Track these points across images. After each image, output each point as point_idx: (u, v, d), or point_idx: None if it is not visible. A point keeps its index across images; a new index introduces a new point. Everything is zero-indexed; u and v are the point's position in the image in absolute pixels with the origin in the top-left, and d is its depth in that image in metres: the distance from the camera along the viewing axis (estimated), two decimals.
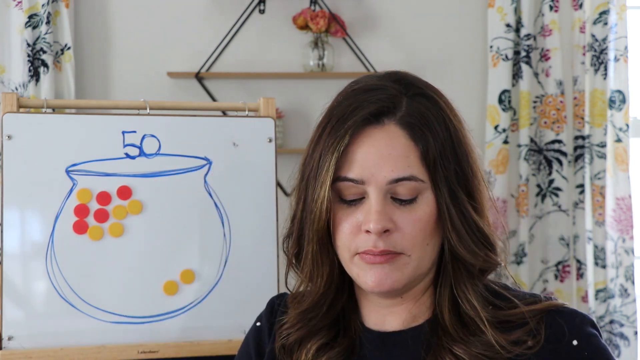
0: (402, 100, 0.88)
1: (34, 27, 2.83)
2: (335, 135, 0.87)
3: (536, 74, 3.00)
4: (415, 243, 0.86)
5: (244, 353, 1.04)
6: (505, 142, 2.95)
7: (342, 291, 0.94)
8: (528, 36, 2.96)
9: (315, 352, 0.91)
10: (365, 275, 0.86)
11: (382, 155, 0.85)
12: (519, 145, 2.96)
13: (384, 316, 0.92)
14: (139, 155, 1.49)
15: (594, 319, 0.92)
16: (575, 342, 0.85)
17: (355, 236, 0.86)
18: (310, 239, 0.90)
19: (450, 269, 0.89)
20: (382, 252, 0.84)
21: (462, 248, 0.87)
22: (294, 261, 0.95)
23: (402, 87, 0.89)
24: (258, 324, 1.04)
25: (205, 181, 1.50)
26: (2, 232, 1.44)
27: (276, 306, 1.03)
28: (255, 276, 1.51)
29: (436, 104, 0.89)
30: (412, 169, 0.85)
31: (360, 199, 0.87)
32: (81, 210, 1.46)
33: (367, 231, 0.85)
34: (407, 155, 0.85)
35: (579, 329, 0.86)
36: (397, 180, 0.85)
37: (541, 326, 0.86)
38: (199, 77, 2.94)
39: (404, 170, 0.85)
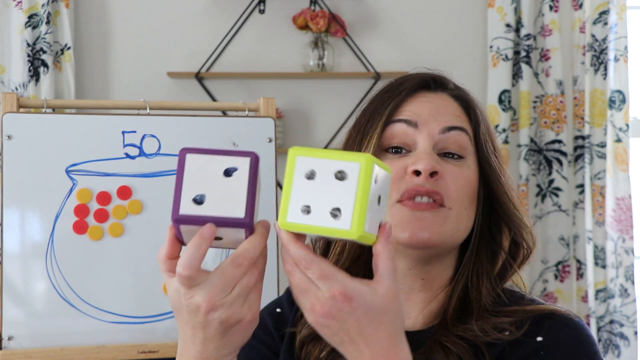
0: (452, 84, 0.94)
1: (34, 27, 2.83)
2: (391, 94, 0.90)
3: (536, 74, 3.00)
4: (458, 197, 0.85)
5: (261, 328, 0.98)
6: (506, 142, 2.95)
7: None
8: (528, 36, 2.96)
9: (331, 351, 0.86)
10: (403, 224, 0.83)
11: (437, 108, 0.88)
12: (519, 145, 2.96)
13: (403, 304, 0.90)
14: (139, 155, 1.49)
15: (594, 336, 0.89)
16: (539, 338, 0.83)
17: (399, 182, 0.84)
18: None
19: (472, 261, 0.88)
20: (428, 192, 0.83)
21: (510, 216, 0.88)
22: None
23: (450, 80, 0.95)
24: (278, 310, 0.99)
25: None
26: (2, 232, 1.44)
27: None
28: None
29: (477, 101, 0.94)
30: (465, 126, 0.88)
31: (407, 152, 0.87)
32: (81, 210, 1.46)
33: (415, 172, 0.83)
34: (459, 116, 0.89)
35: (557, 332, 0.84)
36: (451, 129, 0.86)
37: (526, 322, 0.84)
38: (199, 77, 2.94)
39: (457, 122, 0.87)
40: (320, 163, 0.64)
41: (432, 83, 0.91)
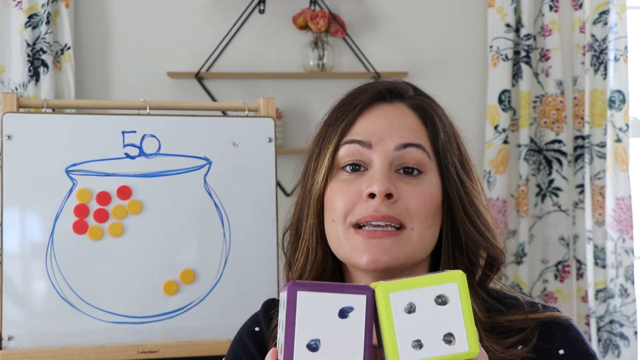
0: (410, 91, 0.90)
1: (34, 27, 2.83)
2: (345, 109, 0.88)
3: (536, 74, 3.00)
4: (419, 217, 0.82)
5: (243, 351, 0.99)
6: (505, 142, 2.95)
7: None
8: (528, 36, 2.96)
9: None
10: (360, 250, 0.81)
11: (391, 124, 0.85)
12: (519, 145, 2.96)
13: None
14: (139, 155, 1.49)
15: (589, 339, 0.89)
16: (561, 352, 0.83)
17: (354, 205, 0.82)
18: (309, 211, 0.87)
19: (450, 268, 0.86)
20: (384, 218, 0.80)
21: (476, 232, 0.85)
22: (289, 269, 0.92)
23: (409, 85, 0.92)
24: (257, 328, 0.99)
25: (205, 181, 1.50)
26: (2, 232, 1.44)
27: (272, 311, 0.99)
28: (255, 276, 1.52)
29: (439, 106, 0.91)
30: (420, 140, 0.85)
31: (363, 170, 0.85)
32: (81, 210, 1.46)
33: (370, 195, 0.81)
34: (416, 129, 0.86)
35: (571, 341, 0.84)
36: (406, 146, 0.84)
37: (534, 334, 0.84)
38: (199, 77, 2.94)
39: (412, 138, 0.85)
40: (416, 294, 0.62)
41: (387, 95, 0.88)
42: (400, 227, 0.82)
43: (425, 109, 0.88)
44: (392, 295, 0.62)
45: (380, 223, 0.81)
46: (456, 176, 0.86)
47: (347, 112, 0.88)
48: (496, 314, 0.86)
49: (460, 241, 0.86)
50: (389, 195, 0.81)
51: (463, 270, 0.84)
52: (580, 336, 0.86)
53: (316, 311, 0.62)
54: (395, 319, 0.62)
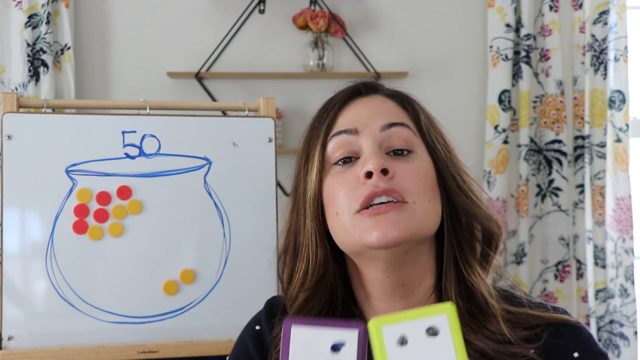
0: (384, 86, 0.95)
1: (34, 27, 2.83)
2: (325, 109, 0.92)
3: (536, 74, 3.00)
4: (418, 192, 0.83)
5: (243, 356, 0.99)
6: (505, 142, 2.95)
7: (337, 300, 0.90)
8: (528, 36, 2.96)
9: None
10: (368, 229, 0.82)
11: (372, 110, 0.89)
12: (519, 145, 2.96)
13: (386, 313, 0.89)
14: (139, 155, 1.49)
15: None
16: (576, 355, 0.83)
17: (354, 191, 0.84)
18: (306, 216, 0.88)
19: (455, 252, 0.87)
20: (385, 191, 0.82)
21: (471, 205, 0.86)
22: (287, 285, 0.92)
23: (380, 84, 0.96)
24: (257, 327, 0.99)
25: (205, 181, 1.50)
26: (2, 232, 1.44)
27: (275, 309, 0.99)
28: (255, 276, 1.52)
29: (414, 96, 0.94)
30: (404, 120, 0.88)
31: (354, 160, 0.86)
32: (81, 210, 1.46)
33: (367, 175, 0.83)
34: (397, 112, 0.89)
35: (584, 344, 0.84)
36: (391, 126, 0.86)
37: (545, 334, 0.84)
38: (199, 77, 2.94)
39: (396, 118, 0.88)
40: (407, 326, 0.63)
41: (363, 89, 0.92)
42: (402, 201, 0.83)
43: (402, 95, 0.92)
44: (385, 329, 0.63)
45: (382, 199, 0.82)
46: (444, 152, 0.88)
47: (328, 111, 0.91)
48: (506, 302, 0.87)
49: (459, 218, 0.87)
50: (384, 172, 0.83)
51: (467, 246, 0.87)
52: (591, 337, 0.86)
53: (309, 346, 0.63)
54: (388, 352, 0.63)
